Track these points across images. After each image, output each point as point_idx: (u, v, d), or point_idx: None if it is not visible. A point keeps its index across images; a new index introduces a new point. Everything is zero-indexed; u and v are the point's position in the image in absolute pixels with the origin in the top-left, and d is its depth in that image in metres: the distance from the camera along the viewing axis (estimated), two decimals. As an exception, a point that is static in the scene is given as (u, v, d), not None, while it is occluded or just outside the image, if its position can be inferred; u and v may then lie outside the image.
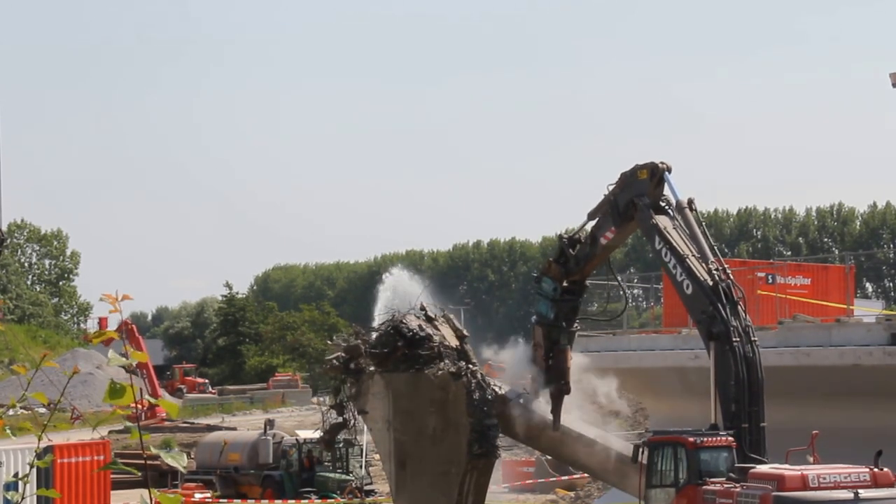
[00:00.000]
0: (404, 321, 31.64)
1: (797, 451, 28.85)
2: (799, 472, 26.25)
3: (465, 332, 33.02)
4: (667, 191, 31.45)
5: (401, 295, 36.27)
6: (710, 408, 29.41)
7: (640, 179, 31.25)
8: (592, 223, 32.37)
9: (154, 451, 5.54)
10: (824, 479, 26.08)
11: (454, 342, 32.05)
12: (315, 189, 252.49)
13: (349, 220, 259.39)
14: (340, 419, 32.58)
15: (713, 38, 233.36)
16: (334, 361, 32.24)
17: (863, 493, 25.68)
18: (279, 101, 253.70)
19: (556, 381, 31.26)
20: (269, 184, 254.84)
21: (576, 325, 32.63)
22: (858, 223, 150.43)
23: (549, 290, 32.16)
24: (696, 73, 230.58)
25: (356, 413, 32.40)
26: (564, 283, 32.13)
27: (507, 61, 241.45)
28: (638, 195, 31.09)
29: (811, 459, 28.31)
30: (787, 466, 27.29)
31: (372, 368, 31.70)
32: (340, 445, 44.00)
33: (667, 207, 31.25)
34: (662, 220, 30.85)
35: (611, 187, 31.75)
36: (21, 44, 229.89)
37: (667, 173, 31.19)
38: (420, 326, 31.66)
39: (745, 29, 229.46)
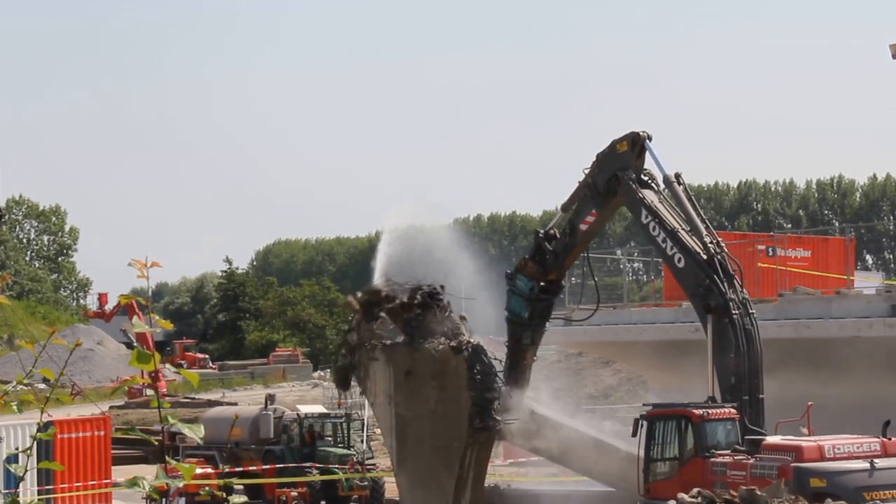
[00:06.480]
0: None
1: (787, 423, 28.82)
2: (815, 443, 26.24)
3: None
4: (652, 164, 30.75)
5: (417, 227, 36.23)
6: (709, 381, 29.35)
7: (619, 153, 30.33)
8: (567, 216, 31.58)
9: (172, 420, 5.53)
10: (839, 449, 26.10)
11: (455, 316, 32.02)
12: (315, 163, 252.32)
13: (350, 194, 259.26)
14: (347, 361, 32.42)
15: (712, 8, 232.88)
16: (348, 339, 32.24)
17: (877, 462, 25.77)
18: (281, 77, 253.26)
19: (514, 380, 30.86)
20: (270, 158, 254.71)
21: (546, 325, 32.11)
22: (858, 195, 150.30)
23: (525, 288, 31.30)
24: (693, 43, 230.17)
25: (364, 390, 32.48)
26: (541, 283, 31.43)
27: (511, 33, 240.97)
28: (620, 169, 30.28)
29: (805, 431, 28.28)
30: (801, 438, 27.28)
31: (374, 342, 31.56)
32: (350, 412, 44.15)
33: (650, 182, 30.51)
34: (648, 194, 30.13)
35: (586, 172, 30.88)
36: (19, 17, 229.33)
37: (648, 142, 30.40)
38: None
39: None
